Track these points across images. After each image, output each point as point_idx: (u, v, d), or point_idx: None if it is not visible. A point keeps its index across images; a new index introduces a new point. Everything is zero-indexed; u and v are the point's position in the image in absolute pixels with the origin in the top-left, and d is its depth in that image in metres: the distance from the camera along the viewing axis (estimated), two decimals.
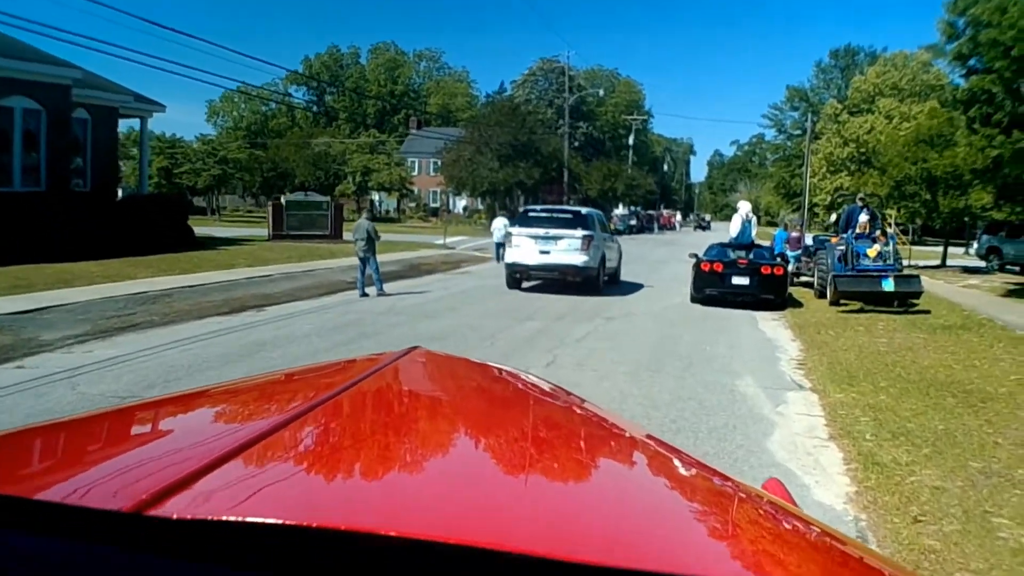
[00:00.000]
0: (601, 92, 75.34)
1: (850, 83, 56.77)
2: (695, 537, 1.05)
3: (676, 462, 1.43)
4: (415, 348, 1.90)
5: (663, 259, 30.02)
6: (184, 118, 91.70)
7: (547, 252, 17.21)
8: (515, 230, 17.95)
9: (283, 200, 33.87)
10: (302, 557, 0.70)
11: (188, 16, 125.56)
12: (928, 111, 30.11)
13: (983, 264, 28.19)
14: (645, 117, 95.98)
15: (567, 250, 17.07)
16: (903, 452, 6.18)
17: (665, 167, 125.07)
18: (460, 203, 74.35)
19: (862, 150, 49.69)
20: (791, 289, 19.18)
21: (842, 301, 15.60)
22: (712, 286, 15.91)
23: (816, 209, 53.43)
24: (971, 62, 16.80)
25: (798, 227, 22.60)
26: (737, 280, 15.78)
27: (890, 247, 15.88)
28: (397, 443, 1.29)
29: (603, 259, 18.06)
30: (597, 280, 17.74)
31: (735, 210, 19.73)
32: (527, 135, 47.71)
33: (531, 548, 0.74)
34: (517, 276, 17.97)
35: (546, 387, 1.87)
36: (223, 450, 0.96)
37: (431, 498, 0.97)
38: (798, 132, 68.33)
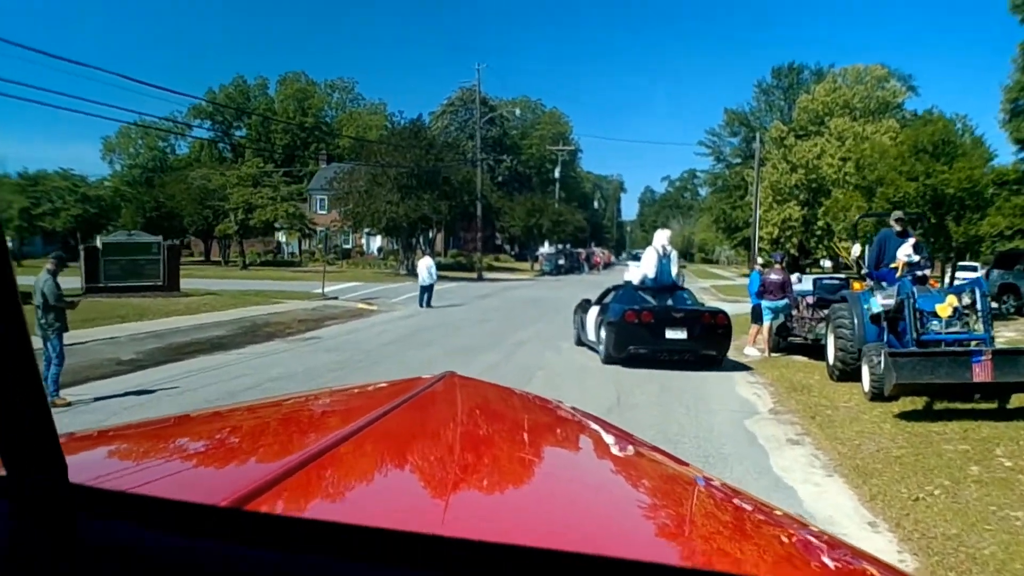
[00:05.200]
0: (518, 111, 69.41)
1: (796, 103, 51.62)
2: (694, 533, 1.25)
3: (691, 477, 1.66)
4: (450, 372, 2.28)
5: None
6: (88, 156, 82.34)
7: None
8: (631, 263, 31.22)
9: (99, 242, 26.06)
10: (374, 550, 0.83)
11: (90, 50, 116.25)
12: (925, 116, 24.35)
13: (995, 305, 22.18)
14: (572, 148, 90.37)
15: None
16: None
17: (596, 204, 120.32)
18: (375, 243, 66.92)
19: (811, 176, 44.40)
20: (782, 361, 13.38)
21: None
22: (639, 342, 12.58)
23: (761, 244, 47.80)
24: None
25: (778, 265, 15.70)
26: (672, 334, 12.52)
27: (976, 298, 9.10)
28: (440, 459, 1.48)
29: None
30: None
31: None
32: (432, 162, 40.48)
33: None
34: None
35: (569, 412, 2.16)
36: (295, 460, 1.14)
37: (472, 504, 1.17)
38: (738, 160, 63.05)
